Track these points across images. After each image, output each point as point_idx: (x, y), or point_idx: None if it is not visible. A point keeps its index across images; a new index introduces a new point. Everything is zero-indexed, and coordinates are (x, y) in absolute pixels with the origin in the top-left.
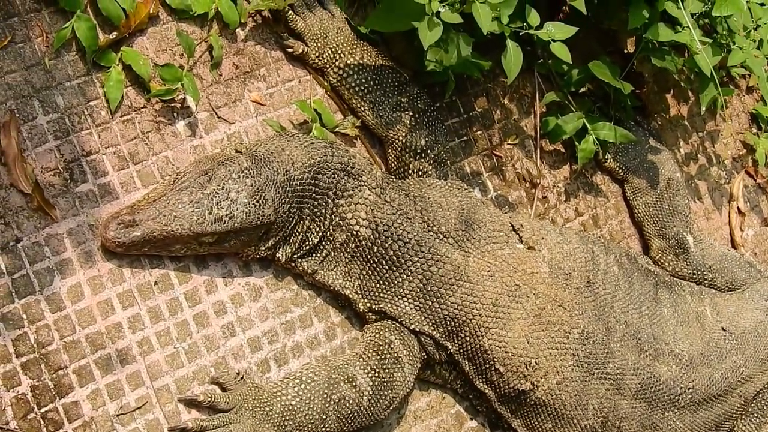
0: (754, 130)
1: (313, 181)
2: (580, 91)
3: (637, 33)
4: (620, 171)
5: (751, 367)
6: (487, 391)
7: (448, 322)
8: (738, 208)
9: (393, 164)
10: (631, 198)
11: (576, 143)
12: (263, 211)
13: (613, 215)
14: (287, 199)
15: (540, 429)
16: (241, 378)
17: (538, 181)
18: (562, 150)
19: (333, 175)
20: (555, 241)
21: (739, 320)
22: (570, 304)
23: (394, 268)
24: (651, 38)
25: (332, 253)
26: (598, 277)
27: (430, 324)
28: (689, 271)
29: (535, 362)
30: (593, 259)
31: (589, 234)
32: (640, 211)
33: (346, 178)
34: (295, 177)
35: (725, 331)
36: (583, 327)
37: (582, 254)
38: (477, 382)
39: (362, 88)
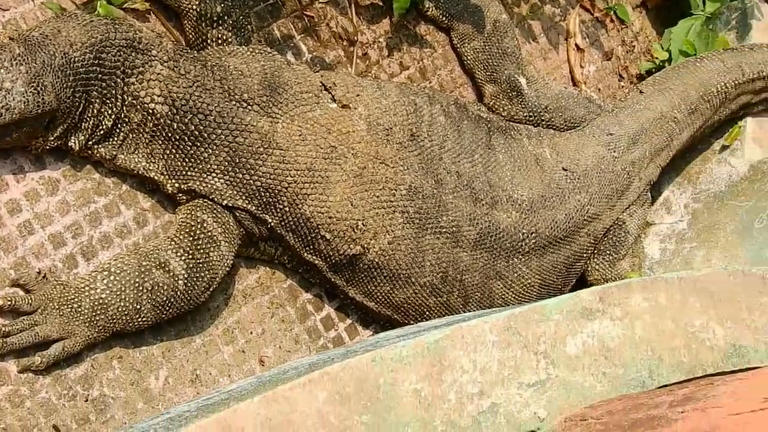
0: None
1: (96, 62)
2: None
3: None
4: (444, 19)
5: (597, 204)
6: (317, 261)
7: (263, 194)
8: (576, 44)
9: (191, 36)
10: (458, 45)
11: None
12: (43, 99)
13: (442, 65)
14: (69, 83)
15: (378, 293)
16: (44, 277)
17: (356, 38)
18: (380, 3)
19: (118, 53)
20: (372, 96)
21: (580, 158)
22: (393, 161)
23: (198, 144)
24: None
25: (130, 135)
26: (423, 129)
27: (244, 198)
28: (525, 114)
29: (362, 224)
30: (416, 111)
31: (412, 86)
32: (469, 57)
33: (133, 54)
34: (76, 59)
35: (566, 170)
36: (410, 182)
37: (403, 107)
38: (305, 254)
39: None
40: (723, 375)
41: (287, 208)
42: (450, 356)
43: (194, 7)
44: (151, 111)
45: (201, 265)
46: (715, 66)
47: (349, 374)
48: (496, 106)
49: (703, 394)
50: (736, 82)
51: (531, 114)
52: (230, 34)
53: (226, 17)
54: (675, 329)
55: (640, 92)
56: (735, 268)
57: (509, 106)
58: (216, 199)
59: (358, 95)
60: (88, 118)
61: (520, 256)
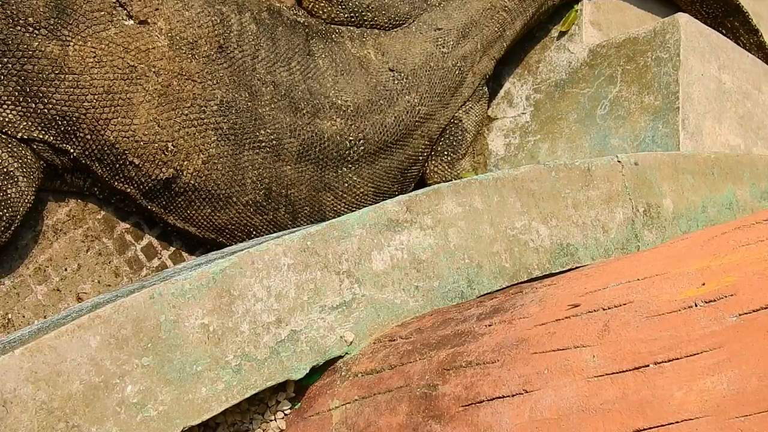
0: None
1: None
2: None
3: None
4: None
5: (429, 104)
6: (129, 190)
7: (60, 123)
8: None
9: None
10: None
11: None
12: None
13: None
14: None
15: (198, 217)
16: None
17: None
18: None
19: None
20: (173, 9)
21: (407, 57)
22: (200, 75)
23: None
24: None
25: None
26: (232, 39)
27: (40, 129)
28: (346, 15)
29: (173, 145)
30: (223, 22)
31: None
32: None
33: None
34: None
35: (393, 71)
36: (221, 97)
37: (208, 18)
38: (115, 183)
39: None
40: (535, 281)
41: (89, 136)
42: (240, 285)
43: None
44: None
45: None
46: None
47: (125, 315)
48: (315, 9)
49: (512, 304)
50: None
51: (352, 14)
52: None
53: None
54: (494, 233)
55: None
56: (557, 163)
57: (329, 8)
58: (9, 133)
59: (156, 9)
60: None
61: (350, 165)
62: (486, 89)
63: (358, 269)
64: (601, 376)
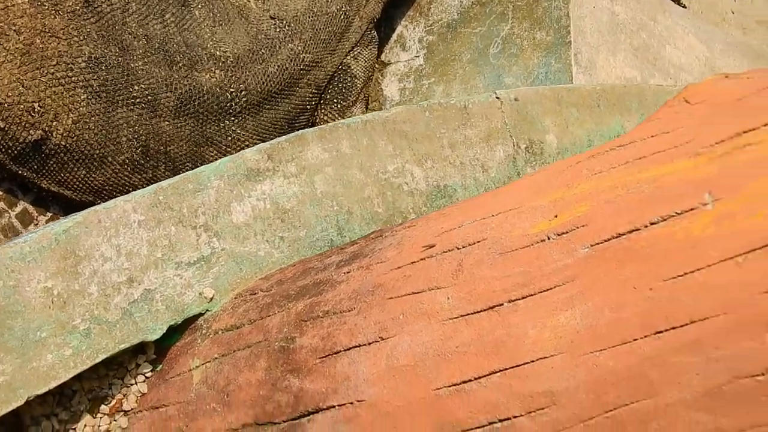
0: None
1: None
2: None
3: None
4: None
5: (314, 50)
6: None
7: None
8: None
9: None
10: None
11: None
12: None
13: None
14: None
15: (73, 180)
16: None
17: None
18: None
19: None
20: None
21: (289, 3)
22: (66, 32)
23: None
24: None
25: None
26: None
27: None
28: None
29: (39, 106)
30: None
31: None
32: None
33: None
34: None
35: (275, 18)
36: (89, 53)
37: None
38: None
39: None
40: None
41: None
42: (86, 245)
43: None
44: None
45: None
46: None
47: None
48: None
49: (370, 249)
50: None
51: None
52: None
53: None
54: (365, 178)
55: None
56: (431, 102)
57: None
58: None
59: None
60: None
61: (232, 118)
62: (375, 33)
63: (217, 222)
64: (456, 318)
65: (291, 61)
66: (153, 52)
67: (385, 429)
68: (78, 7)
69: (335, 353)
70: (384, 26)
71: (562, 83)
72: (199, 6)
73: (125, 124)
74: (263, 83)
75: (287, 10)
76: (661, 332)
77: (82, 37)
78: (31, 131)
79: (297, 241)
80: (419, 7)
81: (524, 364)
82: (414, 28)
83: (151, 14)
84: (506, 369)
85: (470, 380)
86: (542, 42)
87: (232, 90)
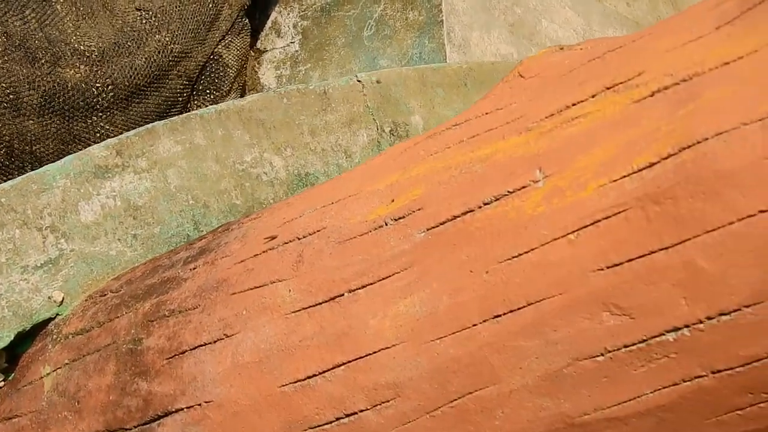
0: None
1: None
2: None
3: None
4: None
5: (182, 41)
6: None
7: None
8: None
9: None
10: None
11: None
12: None
13: None
14: None
15: None
16: None
17: None
18: None
19: None
20: None
21: None
22: None
23: None
24: None
25: None
26: None
27: None
28: None
29: None
30: None
31: None
32: None
33: None
34: None
35: (140, 10)
36: None
37: None
38: None
39: None
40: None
41: None
42: None
43: None
44: None
45: None
46: None
47: None
48: None
49: (216, 244)
50: None
51: None
52: None
53: None
54: (221, 170)
55: None
56: (288, 88)
57: None
58: None
59: None
60: None
61: (100, 113)
62: (246, 21)
63: (64, 223)
64: (298, 311)
65: (159, 52)
66: (13, 49)
67: (233, 429)
68: None
69: (181, 353)
70: (258, 13)
71: (438, 63)
72: (62, 1)
73: None
74: (131, 77)
75: (153, 1)
76: (499, 316)
77: None
78: None
79: (151, 238)
80: None
81: (367, 355)
82: (288, 14)
83: (10, 10)
84: (350, 362)
85: (315, 375)
86: (415, 22)
87: (98, 85)
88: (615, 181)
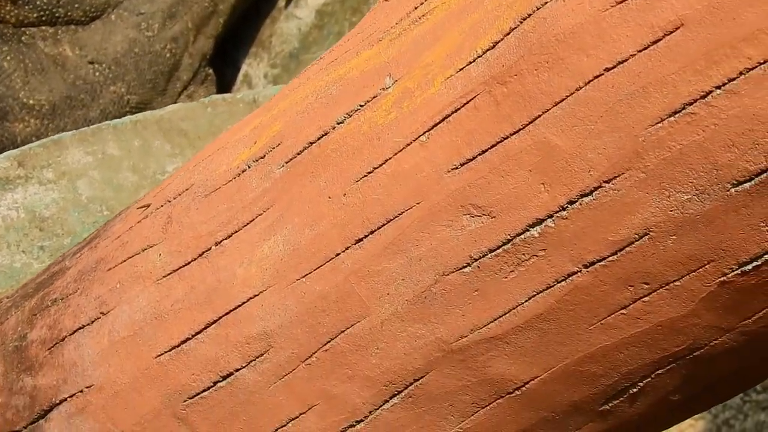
0: None
1: None
2: None
3: None
4: None
5: (140, 92)
6: None
7: None
8: None
9: None
10: None
11: None
12: None
13: None
14: None
15: None
16: None
17: None
18: None
19: None
20: None
21: (108, 47)
22: None
23: None
24: None
25: None
26: None
27: None
28: (36, 15)
29: None
30: None
31: None
32: None
33: None
34: None
35: (94, 63)
36: None
37: None
38: None
39: None
40: None
41: None
42: None
43: None
44: None
45: None
46: None
47: None
48: (2, 15)
49: (103, 230)
50: None
51: (42, 13)
52: None
53: None
54: (140, 180)
55: None
56: (213, 98)
57: (16, 11)
58: None
59: None
60: None
61: None
62: (210, 71)
63: None
64: (169, 274)
65: (115, 104)
66: None
67: (116, 411)
68: None
69: (61, 340)
70: (228, 68)
71: None
72: (8, 58)
73: None
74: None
75: (107, 53)
76: (360, 240)
77: None
78: None
79: (61, 249)
80: (261, 42)
81: (236, 308)
82: (258, 64)
83: None
84: (220, 318)
85: (188, 339)
86: None
87: (50, 135)
88: (461, 69)
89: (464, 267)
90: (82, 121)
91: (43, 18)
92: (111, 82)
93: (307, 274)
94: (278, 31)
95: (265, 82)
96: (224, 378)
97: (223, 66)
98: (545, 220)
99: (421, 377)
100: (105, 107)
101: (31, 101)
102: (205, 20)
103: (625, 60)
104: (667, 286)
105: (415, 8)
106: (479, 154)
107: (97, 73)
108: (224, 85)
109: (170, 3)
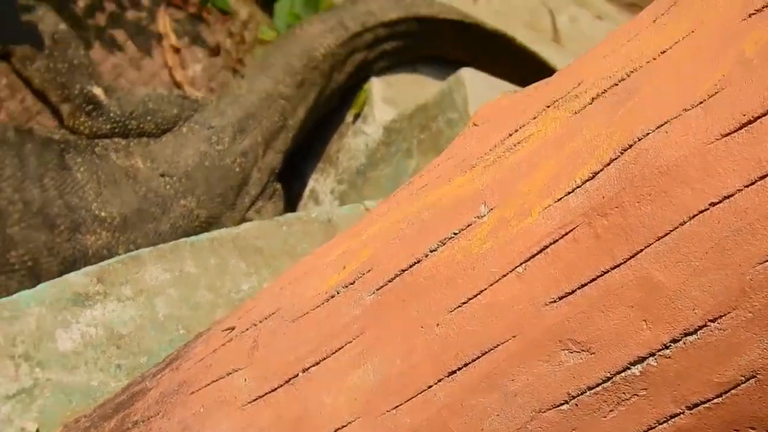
0: None
1: None
2: None
3: None
4: None
5: (209, 206)
6: None
7: None
8: (172, 45)
9: None
10: (21, 70)
11: None
12: None
13: (9, 96)
14: None
15: None
16: None
17: None
18: None
19: None
20: None
21: (179, 160)
22: None
23: None
24: None
25: None
26: None
27: None
28: (109, 127)
29: None
30: None
31: None
32: (36, 81)
33: None
34: None
35: (165, 176)
36: None
37: None
38: None
39: None
40: None
41: None
42: None
43: None
44: None
45: None
46: (315, 29)
47: None
48: (77, 126)
49: (184, 351)
50: (341, 40)
51: (116, 125)
52: None
53: None
54: (215, 298)
55: (242, 77)
56: (289, 216)
57: (90, 122)
58: None
59: None
60: None
61: None
62: (278, 186)
63: (39, 351)
64: (254, 400)
65: (184, 218)
66: (31, 216)
67: None
68: None
69: None
70: (296, 182)
71: None
72: (81, 169)
73: (5, 293)
74: (155, 243)
75: (178, 166)
76: (454, 372)
77: None
78: None
79: (137, 368)
80: (328, 157)
81: None
82: (325, 180)
83: (28, 179)
84: None
85: None
86: None
87: (121, 251)
88: (559, 200)
89: (562, 404)
90: (152, 234)
91: (116, 130)
92: (181, 196)
93: (397, 406)
94: (345, 147)
95: (331, 198)
96: None
97: (290, 180)
98: (647, 358)
99: None
100: (175, 221)
101: (103, 213)
102: (275, 135)
103: (731, 195)
104: None
105: (510, 135)
106: (578, 288)
107: (168, 186)
108: (291, 199)
109: (240, 117)
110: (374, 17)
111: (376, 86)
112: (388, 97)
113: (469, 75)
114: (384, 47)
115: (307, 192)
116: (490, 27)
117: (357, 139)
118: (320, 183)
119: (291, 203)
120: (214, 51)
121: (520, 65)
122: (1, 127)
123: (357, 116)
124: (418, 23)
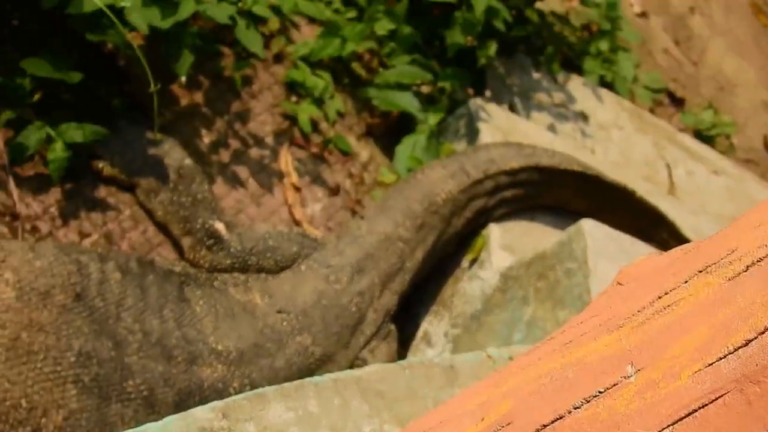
0: (293, 99)
1: None
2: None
3: None
4: (123, 176)
5: (325, 344)
6: None
7: None
8: (293, 184)
9: None
10: (145, 202)
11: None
12: None
13: (132, 227)
14: None
15: None
16: None
17: (18, 212)
18: (45, 171)
19: None
20: (22, 259)
21: (297, 297)
22: (54, 326)
23: None
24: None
25: None
26: (91, 288)
27: None
28: (229, 261)
29: (26, 402)
30: (80, 270)
31: (78, 246)
32: (159, 213)
33: None
34: None
35: (282, 312)
36: (79, 347)
37: (62, 267)
38: None
39: None
40: None
41: None
42: None
43: None
44: None
45: None
46: (436, 174)
47: None
48: (197, 259)
49: None
50: (462, 186)
51: (236, 260)
52: None
53: None
54: None
55: (361, 218)
56: (412, 360)
57: (210, 256)
58: None
59: (3, 261)
60: None
61: None
62: (393, 327)
63: None
64: None
65: (299, 354)
66: (149, 346)
67: None
68: (68, 301)
69: None
70: (409, 323)
71: None
72: (200, 302)
73: (120, 421)
74: (270, 378)
75: (295, 303)
76: None
77: (71, 331)
78: (19, 429)
79: None
80: (442, 300)
81: None
82: (438, 323)
83: (149, 309)
84: None
85: None
86: (565, 321)
87: (235, 385)
88: (710, 365)
89: None
90: (267, 369)
91: (236, 265)
92: (297, 333)
93: None
94: (461, 291)
95: (445, 341)
96: None
97: (403, 321)
98: None
99: None
100: (290, 357)
101: (219, 347)
102: (392, 276)
103: None
104: None
105: (659, 297)
106: None
107: (285, 323)
108: (402, 340)
109: (359, 257)
110: (496, 165)
111: (495, 232)
112: (506, 243)
113: (589, 226)
114: (504, 195)
115: (420, 333)
116: (611, 179)
117: (473, 283)
118: (434, 325)
119: (403, 344)
120: (334, 191)
121: (638, 217)
122: (125, 258)
123: (473, 261)
124: (538, 173)
